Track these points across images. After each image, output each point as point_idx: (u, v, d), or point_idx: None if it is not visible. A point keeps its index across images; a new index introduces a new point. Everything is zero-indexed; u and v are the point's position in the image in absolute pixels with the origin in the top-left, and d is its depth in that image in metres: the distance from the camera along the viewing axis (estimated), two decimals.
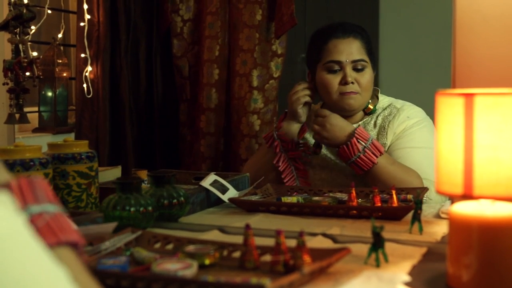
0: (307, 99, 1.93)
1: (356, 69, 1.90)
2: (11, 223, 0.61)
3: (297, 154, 1.94)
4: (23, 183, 0.74)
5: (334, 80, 1.90)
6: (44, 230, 0.72)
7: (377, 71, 2.02)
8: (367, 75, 1.91)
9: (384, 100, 1.99)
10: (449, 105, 0.95)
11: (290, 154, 1.93)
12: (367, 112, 1.96)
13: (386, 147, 1.89)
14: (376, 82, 2.03)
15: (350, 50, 1.91)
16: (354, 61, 1.90)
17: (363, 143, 1.78)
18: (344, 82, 1.89)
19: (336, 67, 1.90)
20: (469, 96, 0.92)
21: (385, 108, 1.96)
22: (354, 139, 1.78)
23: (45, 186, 0.77)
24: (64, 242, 0.72)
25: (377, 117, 1.95)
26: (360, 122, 1.95)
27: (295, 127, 1.95)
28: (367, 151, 1.77)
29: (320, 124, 1.84)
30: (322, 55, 1.93)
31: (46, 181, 0.76)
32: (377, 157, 1.77)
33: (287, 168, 1.94)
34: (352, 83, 1.89)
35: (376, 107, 1.97)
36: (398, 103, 1.97)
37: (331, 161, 1.94)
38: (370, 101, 1.96)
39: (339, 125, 1.82)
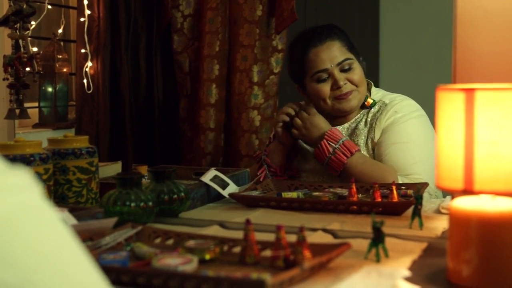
0: (285, 118, 1.89)
1: (344, 70, 1.88)
2: (30, 196, 0.57)
3: (283, 180, 1.88)
4: None
5: (325, 88, 1.88)
6: None
7: (364, 60, 2.00)
8: (357, 71, 1.89)
9: (377, 94, 1.96)
10: (450, 100, 0.95)
11: (276, 179, 1.87)
12: (368, 106, 1.94)
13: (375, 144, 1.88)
14: (376, 78, 2.02)
15: (332, 54, 1.87)
16: (339, 63, 1.87)
17: (333, 144, 1.79)
18: (336, 87, 1.87)
19: (324, 76, 1.88)
20: (469, 91, 0.92)
21: (375, 105, 1.93)
22: (324, 141, 1.80)
23: None
24: None
25: (368, 113, 1.93)
26: (352, 120, 1.93)
27: (280, 149, 1.92)
28: (337, 152, 1.78)
29: (302, 120, 1.85)
30: (306, 68, 1.90)
31: None
32: (347, 157, 1.77)
33: None
34: (345, 83, 1.87)
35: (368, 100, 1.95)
36: (387, 98, 1.93)
37: (321, 167, 1.91)
38: (367, 94, 1.94)
39: (318, 126, 1.84)
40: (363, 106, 1.94)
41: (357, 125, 1.92)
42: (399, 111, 1.88)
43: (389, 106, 1.90)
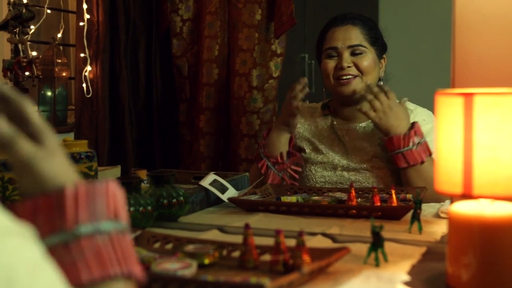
0: (301, 90, 1.88)
1: (354, 54, 1.91)
2: (29, 256, 0.54)
3: (284, 166, 1.91)
4: (81, 192, 0.65)
5: (330, 65, 1.93)
6: (91, 259, 0.62)
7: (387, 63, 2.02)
8: (367, 59, 1.91)
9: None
10: (449, 105, 0.95)
11: (278, 168, 1.90)
12: None
13: None
14: None
15: (347, 36, 1.92)
16: (351, 46, 1.91)
17: (418, 138, 1.77)
18: (339, 67, 1.90)
19: (333, 53, 1.93)
20: (468, 96, 0.92)
21: None
22: (413, 131, 1.77)
23: (109, 196, 0.66)
24: (113, 275, 0.62)
25: None
26: (370, 120, 1.94)
27: (285, 137, 1.93)
28: (420, 147, 1.76)
29: (382, 103, 1.81)
30: (323, 44, 1.97)
31: (115, 186, 0.69)
32: (426, 156, 1.77)
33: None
34: (349, 67, 1.90)
35: None
36: (410, 104, 1.96)
37: (335, 159, 1.93)
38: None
39: (397, 114, 1.80)
40: None
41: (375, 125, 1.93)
42: (428, 120, 1.90)
43: (415, 112, 1.92)
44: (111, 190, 0.67)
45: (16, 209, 0.65)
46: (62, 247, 0.63)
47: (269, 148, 1.92)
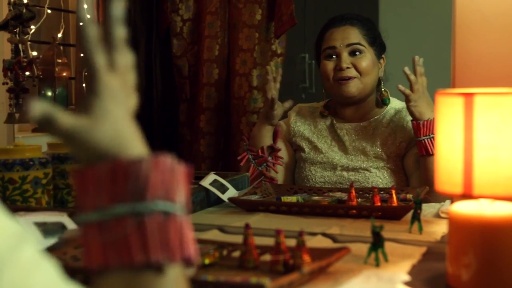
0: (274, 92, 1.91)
1: (353, 54, 1.90)
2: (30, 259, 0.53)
3: (264, 160, 1.93)
4: (121, 168, 0.60)
5: (329, 66, 1.92)
6: (116, 243, 0.58)
7: (386, 64, 2.02)
8: (366, 59, 1.91)
9: (396, 101, 1.99)
10: (449, 105, 0.95)
11: (257, 162, 1.92)
12: (382, 99, 1.95)
13: (404, 147, 1.89)
14: None
15: (345, 35, 1.92)
16: (349, 45, 1.90)
17: None
18: (339, 68, 1.90)
19: (332, 53, 1.92)
20: (468, 96, 0.92)
21: (401, 110, 1.94)
22: None
23: (158, 173, 0.61)
24: (136, 263, 0.58)
25: (391, 116, 1.94)
26: (371, 120, 1.95)
27: (266, 129, 1.96)
28: None
29: (422, 85, 1.81)
30: (321, 45, 1.97)
31: (170, 161, 0.64)
32: None
33: (256, 178, 1.93)
34: (348, 68, 1.89)
35: (389, 106, 1.96)
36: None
37: (335, 159, 1.93)
38: (383, 90, 1.95)
39: (429, 98, 1.81)
40: (378, 104, 1.96)
41: (376, 126, 1.94)
42: None
43: None
44: (162, 166, 0.62)
45: (74, 177, 0.62)
46: (96, 226, 0.60)
47: (252, 140, 1.97)
